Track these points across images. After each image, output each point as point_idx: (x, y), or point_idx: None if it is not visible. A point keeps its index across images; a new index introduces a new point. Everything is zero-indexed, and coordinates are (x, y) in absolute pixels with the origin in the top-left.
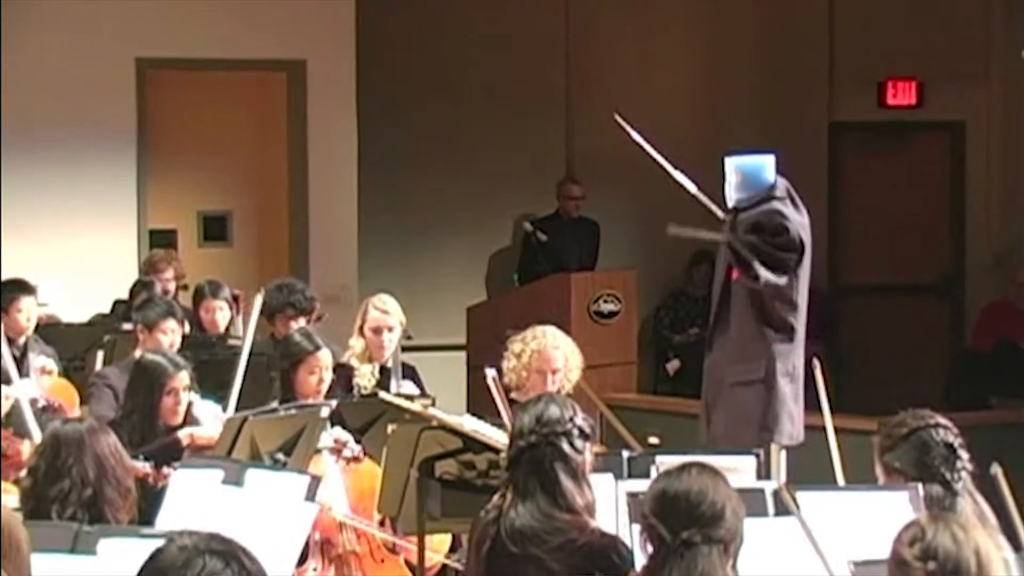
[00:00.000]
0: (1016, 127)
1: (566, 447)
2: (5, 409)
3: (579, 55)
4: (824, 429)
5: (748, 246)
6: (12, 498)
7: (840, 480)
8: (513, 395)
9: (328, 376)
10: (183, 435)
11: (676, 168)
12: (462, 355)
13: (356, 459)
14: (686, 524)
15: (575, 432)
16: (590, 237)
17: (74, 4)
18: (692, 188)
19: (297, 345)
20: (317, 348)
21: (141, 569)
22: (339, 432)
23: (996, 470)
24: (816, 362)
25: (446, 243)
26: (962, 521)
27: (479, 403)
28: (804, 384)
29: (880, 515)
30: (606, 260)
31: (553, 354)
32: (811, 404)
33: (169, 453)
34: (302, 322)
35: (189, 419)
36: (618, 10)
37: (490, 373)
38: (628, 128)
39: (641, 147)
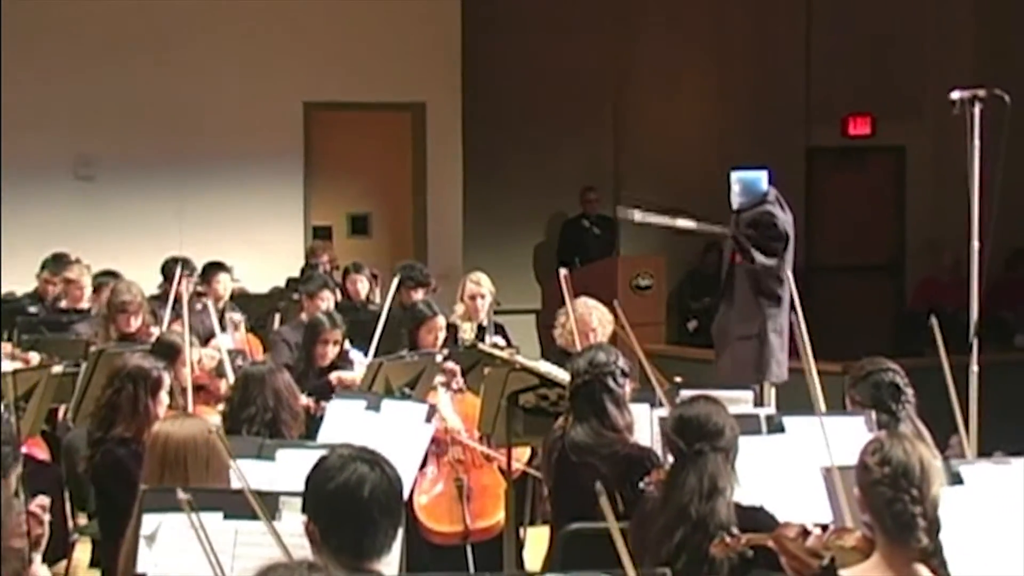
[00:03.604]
0: (943, 151)
1: (611, 383)
2: (212, 362)
3: (624, 93)
4: (802, 371)
5: (747, 238)
6: (215, 418)
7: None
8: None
9: (442, 334)
10: (333, 378)
11: (679, 214)
12: (535, 318)
13: (461, 390)
14: (698, 438)
15: (617, 372)
16: (610, 230)
17: (259, 61)
18: (694, 225)
19: (421, 311)
20: (435, 314)
21: (311, 470)
22: (451, 364)
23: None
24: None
25: (525, 235)
26: (912, 439)
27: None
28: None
29: (844, 434)
30: (642, 248)
31: (588, 319)
32: (793, 353)
33: (324, 390)
34: (421, 293)
35: (343, 362)
36: (651, 61)
37: (563, 272)
38: (631, 214)
39: (648, 223)
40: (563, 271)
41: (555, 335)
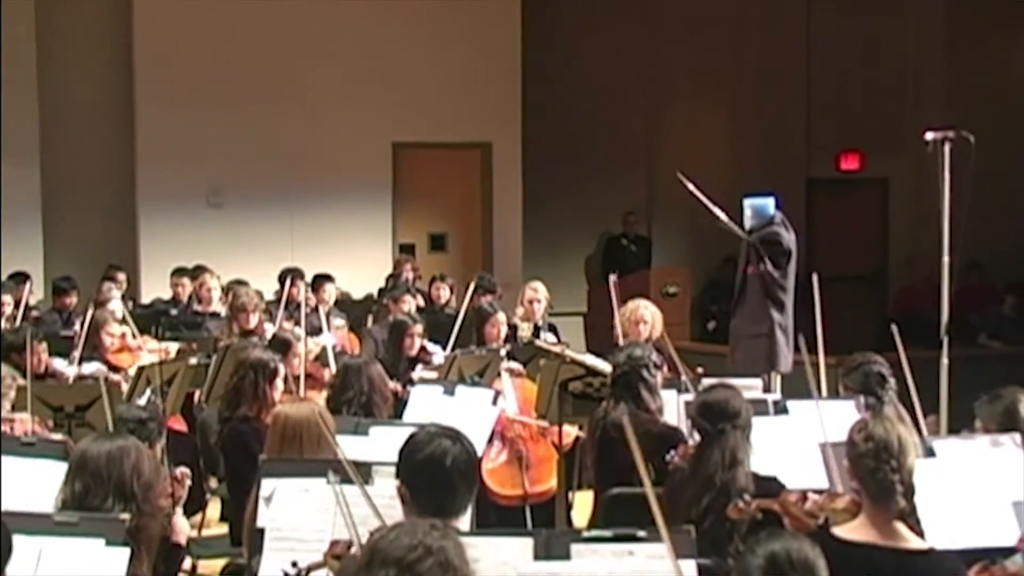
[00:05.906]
0: (920, 182)
1: (645, 373)
2: (316, 351)
3: (654, 134)
4: (803, 363)
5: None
6: (321, 401)
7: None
8: (622, 342)
9: (504, 328)
10: (415, 378)
11: (715, 204)
12: (582, 319)
13: (521, 375)
14: (720, 419)
15: (650, 364)
16: (645, 247)
17: (357, 109)
18: (724, 217)
19: (485, 310)
20: (496, 312)
21: (404, 443)
22: (514, 364)
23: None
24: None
25: (574, 250)
26: (891, 419)
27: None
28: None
29: (838, 415)
30: (670, 260)
31: (642, 312)
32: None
33: (410, 382)
34: (489, 297)
35: (424, 353)
36: (676, 107)
37: (612, 278)
38: (686, 182)
39: (694, 194)
40: (612, 277)
41: (616, 324)
